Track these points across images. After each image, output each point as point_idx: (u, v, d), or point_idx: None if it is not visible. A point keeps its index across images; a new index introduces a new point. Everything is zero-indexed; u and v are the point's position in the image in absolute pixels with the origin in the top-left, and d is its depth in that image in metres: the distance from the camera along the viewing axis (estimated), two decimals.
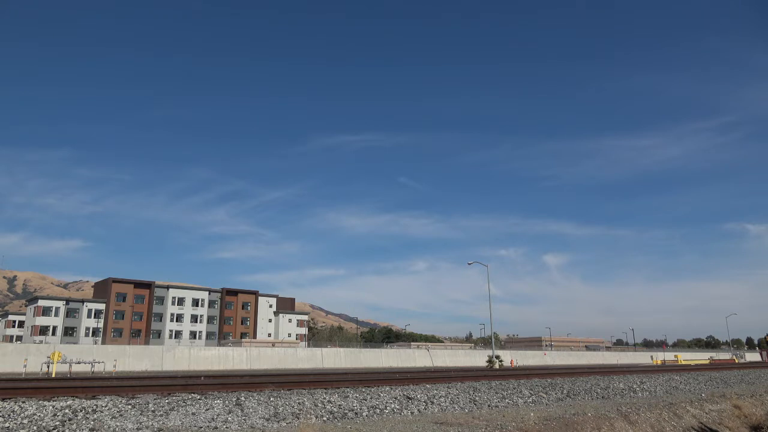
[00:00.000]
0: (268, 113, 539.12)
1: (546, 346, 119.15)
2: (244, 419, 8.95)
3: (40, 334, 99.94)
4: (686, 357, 76.64)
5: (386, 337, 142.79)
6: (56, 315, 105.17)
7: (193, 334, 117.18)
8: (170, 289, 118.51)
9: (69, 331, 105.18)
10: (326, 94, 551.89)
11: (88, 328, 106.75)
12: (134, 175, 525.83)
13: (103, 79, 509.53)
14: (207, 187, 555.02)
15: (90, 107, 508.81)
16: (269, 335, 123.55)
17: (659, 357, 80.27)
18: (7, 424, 7.67)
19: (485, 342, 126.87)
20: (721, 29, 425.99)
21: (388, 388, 12.79)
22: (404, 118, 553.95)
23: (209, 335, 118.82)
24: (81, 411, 8.43)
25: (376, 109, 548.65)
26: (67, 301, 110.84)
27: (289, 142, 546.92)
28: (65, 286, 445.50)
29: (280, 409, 9.69)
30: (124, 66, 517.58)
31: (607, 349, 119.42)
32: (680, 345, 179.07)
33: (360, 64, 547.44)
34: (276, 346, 68.19)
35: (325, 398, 10.81)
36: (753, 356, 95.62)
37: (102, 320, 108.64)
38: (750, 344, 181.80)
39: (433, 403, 11.62)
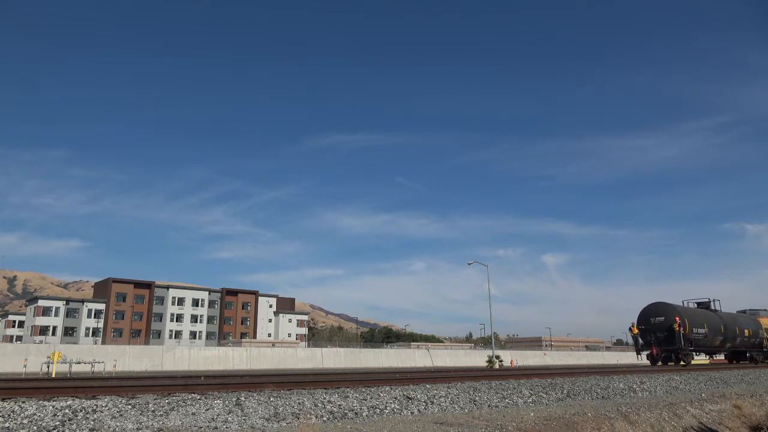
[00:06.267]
0: (264, 113, 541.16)
1: (546, 346, 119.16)
2: (244, 419, 8.94)
3: (40, 334, 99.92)
4: None
5: (386, 337, 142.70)
6: (56, 315, 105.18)
7: (193, 334, 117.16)
8: (170, 289, 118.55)
9: (69, 331, 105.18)
10: (322, 93, 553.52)
11: (88, 328, 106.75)
12: (131, 175, 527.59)
13: (99, 79, 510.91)
14: (204, 187, 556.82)
15: (86, 107, 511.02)
16: (269, 335, 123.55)
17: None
18: (7, 424, 7.67)
19: (485, 342, 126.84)
20: (718, 29, 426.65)
21: (388, 388, 12.78)
22: (401, 117, 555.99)
23: (209, 335, 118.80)
24: (81, 411, 8.43)
25: (372, 109, 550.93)
26: (67, 301, 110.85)
27: (285, 141, 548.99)
28: (65, 286, 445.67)
29: (280, 409, 9.68)
30: (121, 66, 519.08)
31: (607, 349, 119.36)
32: None
33: (357, 64, 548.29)
34: (276, 346, 68.18)
35: (325, 398, 10.81)
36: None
37: (102, 320, 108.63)
38: None
39: (433, 403, 11.61)
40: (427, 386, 13.62)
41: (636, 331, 36.04)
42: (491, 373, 22.31)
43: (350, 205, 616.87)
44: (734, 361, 42.74)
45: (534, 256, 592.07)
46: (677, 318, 33.87)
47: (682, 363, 33.54)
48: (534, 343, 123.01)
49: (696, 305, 40.49)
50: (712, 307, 40.50)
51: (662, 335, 34.55)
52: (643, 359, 36.88)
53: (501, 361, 48.71)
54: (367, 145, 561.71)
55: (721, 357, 45.15)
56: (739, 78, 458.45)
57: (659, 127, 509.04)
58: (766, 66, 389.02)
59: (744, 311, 44.13)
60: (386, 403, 11.07)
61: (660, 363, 34.90)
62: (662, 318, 34.73)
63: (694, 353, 36.98)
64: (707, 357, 45.07)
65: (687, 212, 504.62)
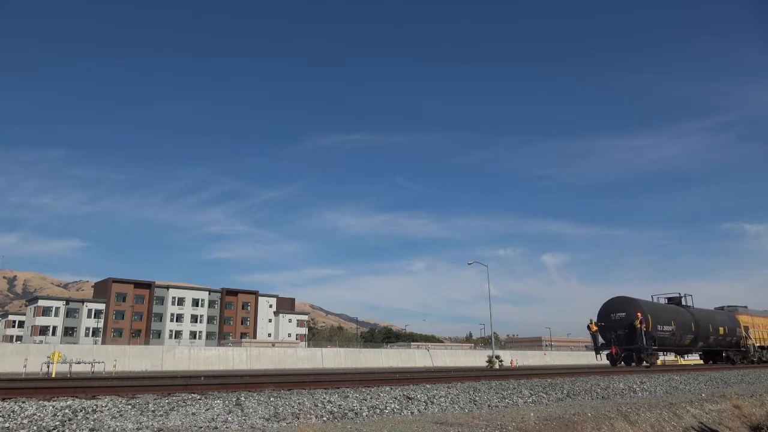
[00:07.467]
0: (263, 113, 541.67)
1: (546, 346, 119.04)
2: (244, 419, 8.94)
3: (40, 334, 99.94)
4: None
5: (386, 337, 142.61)
6: (56, 315, 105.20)
7: (193, 334, 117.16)
8: (170, 289, 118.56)
9: (69, 331, 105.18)
10: (322, 93, 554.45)
11: (88, 328, 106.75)
12: (130, 174, 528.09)
13: (98, 78, 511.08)
14: (203, 187, 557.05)
15: (85, 107, 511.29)
16: (269, 335, 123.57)
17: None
18: (7, 424, 7.67)
19: (485, 342, 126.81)
20: (718, 29, 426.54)
21: (388, 388, 12.77)
22: (400, 117, 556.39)
23: (209, 335, 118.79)
24: (81, 411, 8.42)
25: (371, 109, 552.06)
26: (67, 301, 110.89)
27: (284, 141, 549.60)
28: (65, 286, 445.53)
29: (280, 409, 9.68)
30: (120, 66, 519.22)
31: None
32: None
33: (356, 64, 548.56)
34: (276, 346, 68.17)
35: (325, 398, 10.80)
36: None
37: (102, 320, 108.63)
38: None
39: (433, 403, 11.61)
40: (427, 386, 13.62)
41: (595, 328, 31.81)
42: (491, 373, 22.30)
43: (350, 205, 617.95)
44: (710, 362, 38.83)
45: (534, 256, 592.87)
46: (639, 314, 30.19)
47: (645, 364, 29.85)
48: (534, 343, 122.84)
49: (666, 300, 36.69)
50: (683, 303, 36.42)
51: (623, 333, 30.68)
52: (603, 359, 32.68)
53: (501, 361, 48.69)
54: (367, 145, 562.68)
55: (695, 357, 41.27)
56: (739, 78, 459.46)
57: (659, 127, 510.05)
58: (766, 66, 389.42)
59: (722, 308, 40.78)
60: (386, 403, 11.07)
61: (622, 363, 31.09)
62: (623, 314, 30.82)
63: (659, 353, 33.47)
64: (677, 357, 41.05)
65: (687, 212, 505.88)
